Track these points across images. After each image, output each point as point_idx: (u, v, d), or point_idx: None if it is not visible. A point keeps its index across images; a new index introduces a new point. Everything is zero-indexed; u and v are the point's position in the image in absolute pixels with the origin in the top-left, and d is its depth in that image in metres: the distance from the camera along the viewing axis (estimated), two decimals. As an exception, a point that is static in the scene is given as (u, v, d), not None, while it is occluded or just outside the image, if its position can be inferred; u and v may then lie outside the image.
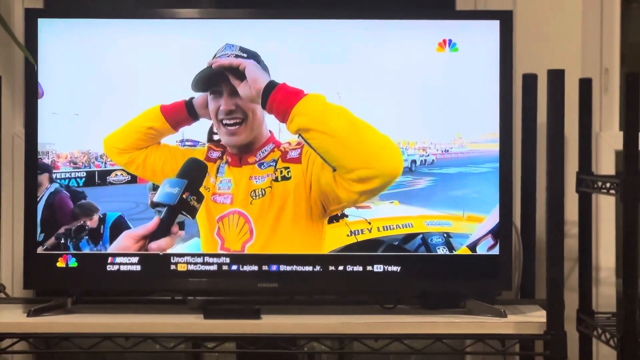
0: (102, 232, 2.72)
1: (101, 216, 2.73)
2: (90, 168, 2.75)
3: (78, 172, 2.74)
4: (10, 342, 2.60)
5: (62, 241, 2.72)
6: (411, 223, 2.76)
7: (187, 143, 2.76)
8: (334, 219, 2.75)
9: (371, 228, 2.75)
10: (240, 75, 2.69)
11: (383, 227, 2.76)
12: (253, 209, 2.72)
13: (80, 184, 2.75)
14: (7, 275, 3.01)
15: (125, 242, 2.72)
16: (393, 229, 2.76)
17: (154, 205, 2.73)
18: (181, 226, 2.73)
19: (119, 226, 2.73)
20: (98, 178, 2.76)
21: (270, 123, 2.72)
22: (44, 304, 2.69)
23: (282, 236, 2.72)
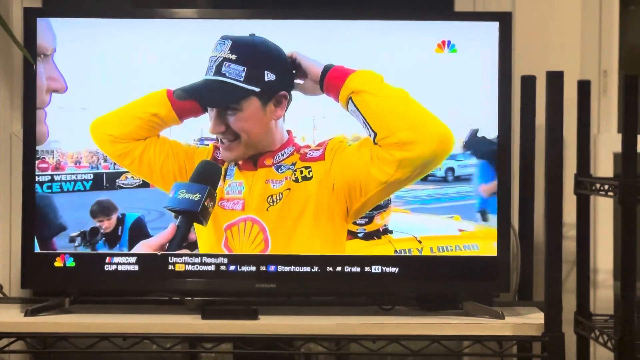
0: (120, 233, 2.69)
1: (120, 217, 2.70)
2: (97, 170, 2.70)
3: (85, 174, 2.69)
4: (8, 341, 2.60)
5: (76, 244, 2.69)
6: (476, 245, 2.73)
7: (205, 142, 2.69)
8: (375, 234, 2.70)
9: (422, 248, 2.72)
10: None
11: (438, 247, 2.73)
12: (270, 216, 2.66)
13: (87, 188, 2.69)
14: (4, 274, 3.01)
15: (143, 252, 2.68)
16: (451, 250, 2.73)
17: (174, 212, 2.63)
18: None
19: (139, 228, 2.69)
20: (106, 181, 2.71)
21: (290, 123, 2.69)
22: (42, 303, 2.69)
23: (301, 242, 2.67)
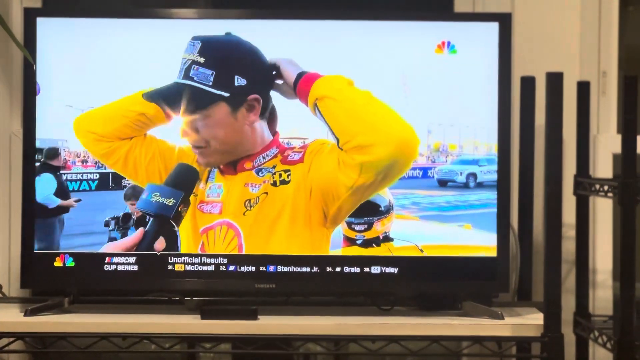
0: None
1: None
2: (104, 169, 2.68)
3: (91, 173, 2.68)
4: (7, 341, 2.59)
5: (110, 228, 2.68)
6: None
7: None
8: (374, 242, 2.68)
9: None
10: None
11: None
12: (246, 220, 2.64)
13: (93, 187, 2.67)
14: (3, 274, 3.01)
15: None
16: None
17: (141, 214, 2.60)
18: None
19: None
20: (112, 181, 2.69)
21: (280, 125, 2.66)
22: (41, 303, 2.69)
23: (276, 248, 2.64)
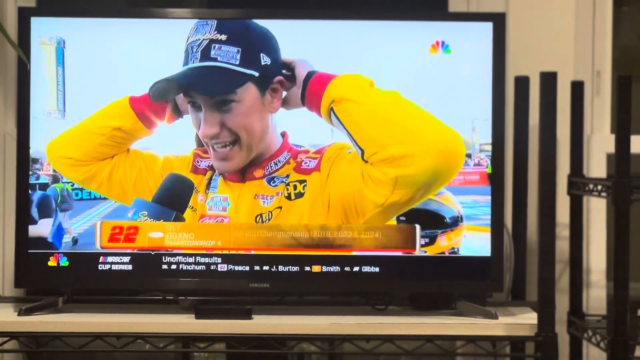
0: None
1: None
2: None
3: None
4: (1, 340, 2.59)
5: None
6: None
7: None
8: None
9: None
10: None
11: None
12: None
13: (84, 196, 2.57)
14: (-3, 274, 3.02)
15: None
16: None
17: None
18: None
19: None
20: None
21: (284, 123, 2.50)
22: (35, 303, 2.69)
23: None
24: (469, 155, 2.66)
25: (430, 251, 2.62)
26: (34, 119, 2.67)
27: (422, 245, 2.64)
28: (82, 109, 2.65)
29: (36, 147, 2.65)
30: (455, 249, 2.66)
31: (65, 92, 2.65)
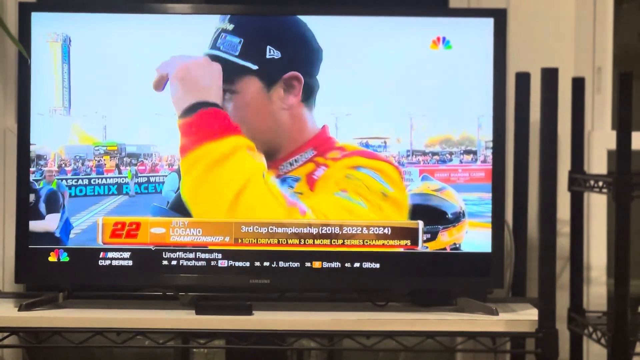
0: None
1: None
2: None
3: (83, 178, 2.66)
4: (1, 336, 2.59)
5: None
6: None
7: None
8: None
9: None
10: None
11: None
12: None
13: (88, 193, 2.64)
14: (-2, 269, 3.02)
15: None
16: None
17: None
18: None
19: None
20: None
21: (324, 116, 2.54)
22: (35, 298, 2.69)
23: None
24: (474, 152, 2.67)
25: (432, 247, 2.63)
26: (39, 116, 2.67)
27: (423, 241, 2.64)
28: (87, 106, 2.66)
29: (41, 144, 2.66)
30: (457, 245, 2.66)
31: (70, 89, 2.65)
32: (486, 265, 2.70)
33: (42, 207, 2.66)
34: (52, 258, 2.69)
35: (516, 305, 2.79)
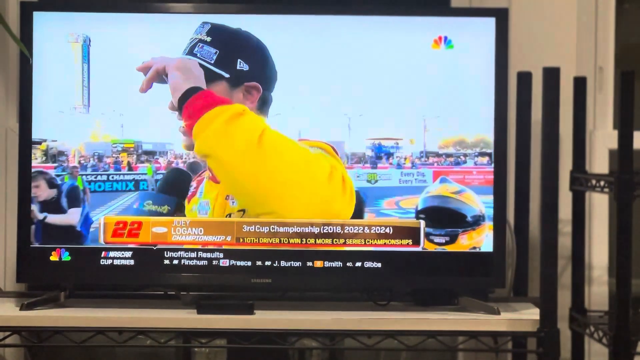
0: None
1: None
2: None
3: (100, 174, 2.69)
4: (3, 335, 2.59)
5: None
6: None
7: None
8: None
9: None
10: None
11: None
12: None
13: (107, 188, 2.69)
14: (-1, 268, 3.02)
15: None
16: None
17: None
18: None
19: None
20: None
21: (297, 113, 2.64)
22: (37, 297, 2.69)
23: None
24: (489, 155, 2.67)
25: (451, 249, 2.67)
26: (60, 114, 2.69)
27: (442, 244, 2.66)
28: (105, 104, 2.68)
29: (62, 141, 2.69)
30: (477, 248, 2.67)
31: (90, 88, 2.68)
32: (488, 265, 2.70)
33: (64, 201, 2.70)
34: (53, 257, 2.69)
35: (518, 304, 2.79)
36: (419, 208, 2.68)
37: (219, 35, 2.62)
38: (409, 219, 2.68)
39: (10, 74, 3.02)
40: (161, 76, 2.61)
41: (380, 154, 2.70)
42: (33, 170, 2.68)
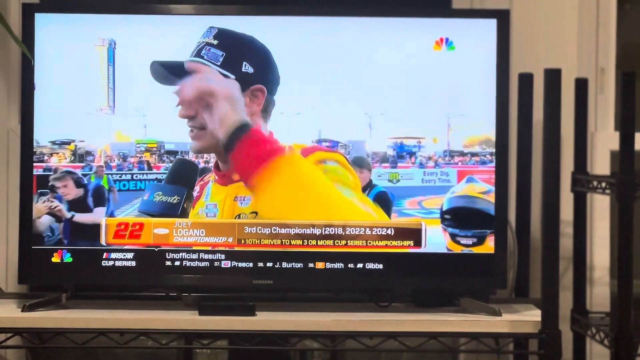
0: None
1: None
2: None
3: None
4: (4, 337, 2.59)
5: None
6: None
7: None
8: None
9: None
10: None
11: None
12: None
13: (131, 187, 2.71)
14: (1, 270, 3.01)
15: None
16: None
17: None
18: None
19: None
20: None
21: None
22: (39, 299, 2.69)
23: None
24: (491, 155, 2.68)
25: (479, 251, 2.67)
26: (87, 115, 2.70)
27: (469, 245, 2.67)
28: (130, 105, 2.70)
29: (90, 141, 2.70)
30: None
31: (115, 90, 2.69)
32: (489, 266, 2.70)
33: (90, 201, 2.72)
34: (55, 259, 2.69)
35: (519, 306, 2.79)
36: (444, 208, 2.68)
37: (225, 38, 2.65)
38: (433, 218, 2.67)
39: (12, 75, 3.02)
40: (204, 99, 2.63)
41: (402, 152, 2.70)
42: (61, 170, 2.70)
